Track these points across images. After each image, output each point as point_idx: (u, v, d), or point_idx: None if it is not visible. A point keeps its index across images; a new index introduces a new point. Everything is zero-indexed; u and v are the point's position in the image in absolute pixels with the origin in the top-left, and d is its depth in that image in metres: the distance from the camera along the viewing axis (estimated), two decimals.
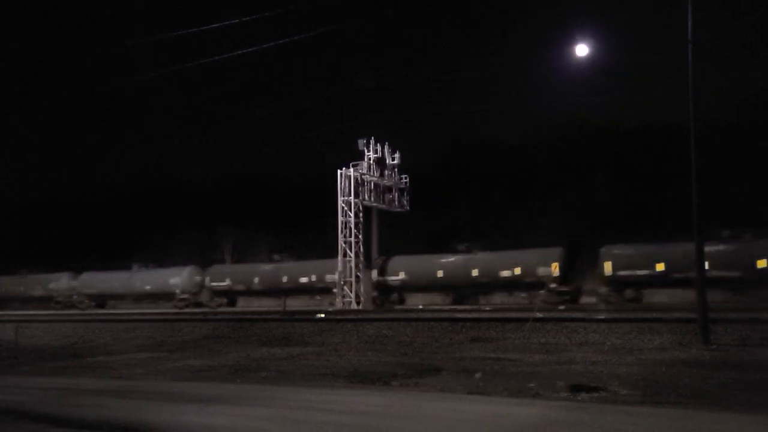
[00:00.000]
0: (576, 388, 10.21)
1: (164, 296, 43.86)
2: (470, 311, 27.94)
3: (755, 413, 7.88)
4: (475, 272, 34.05)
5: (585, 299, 32.55)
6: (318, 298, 39.21)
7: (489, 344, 17.67)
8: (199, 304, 41.91)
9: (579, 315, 21.17)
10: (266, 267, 42.20)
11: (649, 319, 18.65)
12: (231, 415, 8.43)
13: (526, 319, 19.57)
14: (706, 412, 7.98)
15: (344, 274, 35.56)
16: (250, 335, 22.04)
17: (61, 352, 19.55)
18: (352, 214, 35.83)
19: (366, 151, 37.40)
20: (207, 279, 43.07)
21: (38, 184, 68.15)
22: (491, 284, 34.20)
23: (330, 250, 39.23)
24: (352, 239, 35.71)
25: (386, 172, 38.80)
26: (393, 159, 39.21)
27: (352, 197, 35.88)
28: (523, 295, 33.49)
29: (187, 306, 41.46)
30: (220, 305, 41.04)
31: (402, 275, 36.74)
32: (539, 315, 20.35)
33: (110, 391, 10.99)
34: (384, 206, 39.05)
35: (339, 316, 25.96)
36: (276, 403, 9.23)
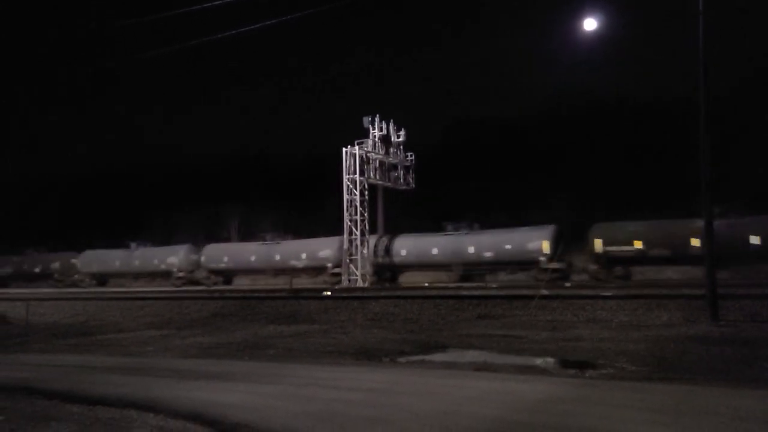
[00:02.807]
0: (584, 365, 10.23)
1: None
2: (476, 288, 27.98)
3: (764, 389, 7.87)
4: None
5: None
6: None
7: (496, 321, 17.72)
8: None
9: (587, 292, 21.13)
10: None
11: (657, 296, 18.60)
12: (240, 391, 8.49)
13: (532, 297, 19.59)
14: (714, 388, 7.97)
15: (350, 252, 35.62)
16: (257, 313, 22.17)
17: (71, 330, 19.74)
18: (357, 192, 35.75)
19: (371, 128, 37.15)
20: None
21: (37, 161, 68.31)
22: None
23: (324, 228, 39.63)
24: (358, 217, 35.69)
25: (391, 149, 38.58)
26: (398, 137, 38.96)
27: (357, 175, 35.76)
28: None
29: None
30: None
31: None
32: (546, 292, 20.36)
33: (121, 368, 11.09)
34: (389, 184, 38.91)
35: (345, 294, 26.04)
36: (284, 380, 9.28)
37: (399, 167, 39.43)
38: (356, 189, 35.74)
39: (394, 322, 18.75)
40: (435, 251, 35.30)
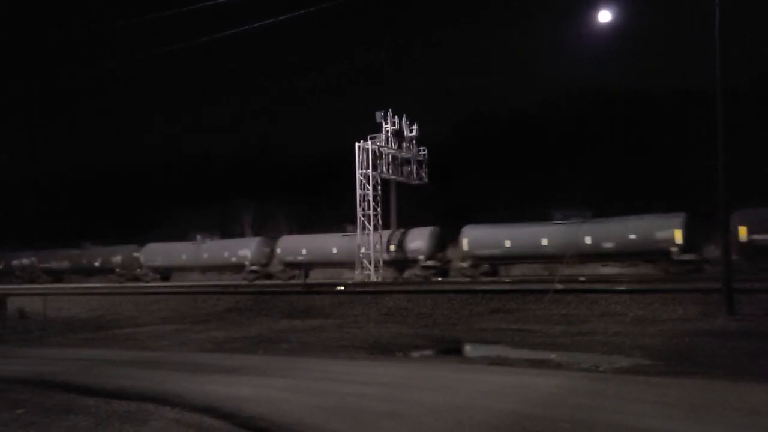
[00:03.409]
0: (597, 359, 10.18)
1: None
2: (490, 283, 27.93)
3: None
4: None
5: None
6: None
7: (510, 315, 17.68)
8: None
9: (601, 286, 21.02)
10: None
11: (672, 290, 18.47)
12: (255, 385, 8.55)
13: (546, 291, 19.52)
14: (730, 382, 7.90)
15: (363, 247, 35.65)
16: (271, 308, 22.28)
17: (88, 325, 19.96)
18: (370, 187, 35.75)
19: (384, 123, 37.11)
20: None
21: (46, 159, 68.88)
22: None
23: (344, 222, 39.39)
24: (371, 212, 35.69)
25: (404, 144, 38.51)
26: (411, 131, 38.87)
27: (370, 170, 35.75)
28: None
29: None
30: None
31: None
32: (560, 286, 20.27)
33: (137, 362, 11.21)
34: (402, 179, 38.87)
35: (359, 289, 26.10)
36: (298, 373, 9.34)
37: (412, 162, 39.37)
38: (369, 184, 35.74)
39: (408, 316, 18.76)
40: (545, 242, 31.97)
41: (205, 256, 43.60)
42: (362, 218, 35.73)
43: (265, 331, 15.81)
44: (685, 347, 11.06)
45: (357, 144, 35.88)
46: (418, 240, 35.63)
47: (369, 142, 36.06)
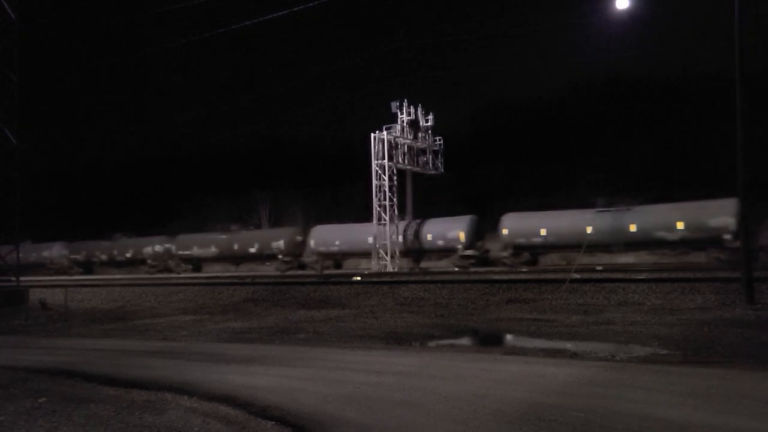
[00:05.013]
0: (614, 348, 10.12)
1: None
2: (506, 273, 27.84)
3: None
4: None
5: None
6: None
7: (526, 305, 17.62)
8: None
9: (618, 275, 20.87)
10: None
11: (691, 279, 18.30)
12: (271, 375, 8.63)
13: (563, 280, 19.42)
14: (748, 372, 7.82)
15: (380, 238, 35.70)
16: (288, 298, 22.43)
17: (108, 315, 20.25)
18: (386, 178, 35.75)
19: (399, 113, 37.07)
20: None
21: (66, 150, 69.67)
22: None
23: (360, 214, 39.20)
24: (387, 202, 35.72)
25: (420, 134, 38.44)
26: (426, 121, 38.79)
27: (385, 160, 35.74)
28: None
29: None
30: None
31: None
32: (577, 276, 20.15)
33: (157, 352, 11.36)
34: (418, 169, 38.83)
35: (375, 279, 26.16)
36: (315, 363, 9.40)
37: (427, 152, 39.30)
38: (385, 174, 35.74)
39: (424, 306, 18.79)
40: None
41: (401, 239, 37.69)
42: (378, 209, 35.77)
43: (282, 322, 15.92)
44: (703, 337, 10.95)
45: (372, 134, 35.88)
46: (724, 214, 28.39)
47: (384, 133, 36.05)
